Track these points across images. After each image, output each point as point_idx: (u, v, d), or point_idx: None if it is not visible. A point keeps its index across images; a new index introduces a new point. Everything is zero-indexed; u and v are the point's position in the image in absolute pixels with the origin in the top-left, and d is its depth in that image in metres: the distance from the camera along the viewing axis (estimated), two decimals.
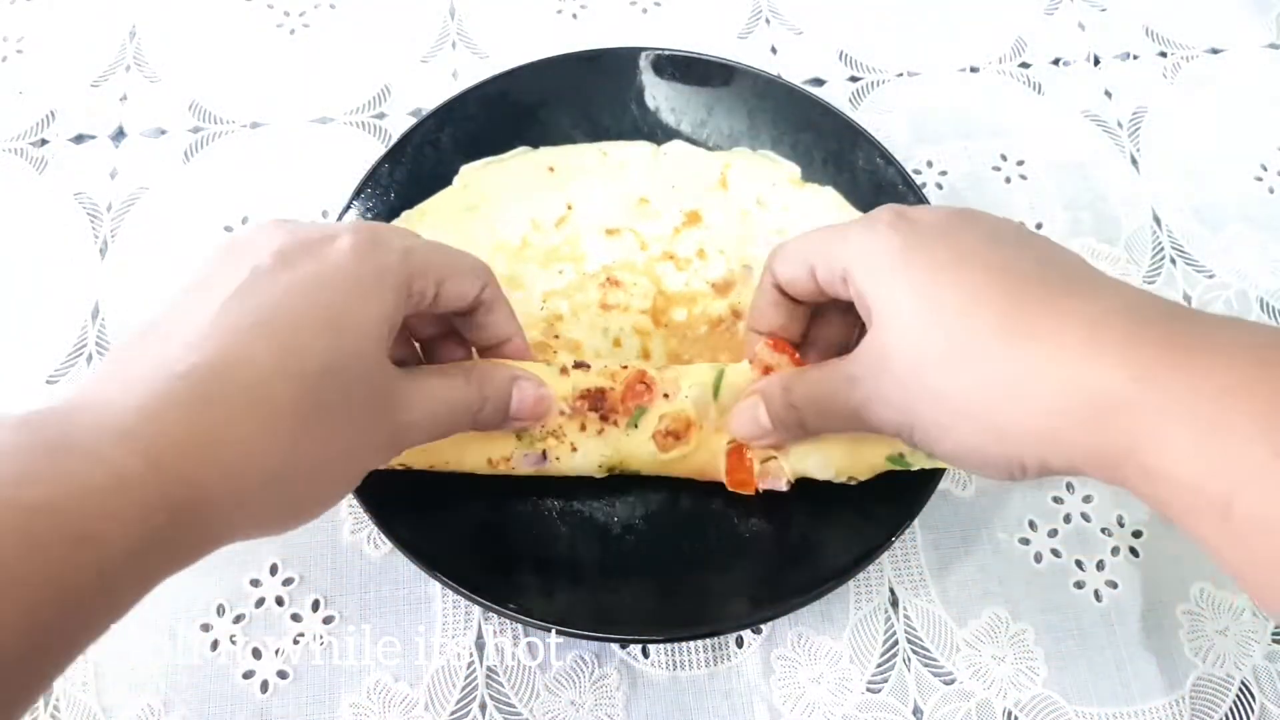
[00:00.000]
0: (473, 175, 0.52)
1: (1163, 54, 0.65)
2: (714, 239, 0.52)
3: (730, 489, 0.44)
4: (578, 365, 0.43)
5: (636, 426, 0.43)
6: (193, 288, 0.32)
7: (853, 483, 0.44)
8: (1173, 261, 0.57)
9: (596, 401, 0.43)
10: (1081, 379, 0.29)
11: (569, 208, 0.52)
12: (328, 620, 0.46)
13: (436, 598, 0.47)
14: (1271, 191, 0.60)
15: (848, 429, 0.39)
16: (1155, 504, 0.30)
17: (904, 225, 0.35)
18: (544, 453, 0.43)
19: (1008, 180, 0.60)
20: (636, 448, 0.43)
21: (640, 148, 0.54)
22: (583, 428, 0.43)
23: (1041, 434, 0.31)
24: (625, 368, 0.43)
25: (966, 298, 0.32)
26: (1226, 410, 0.27)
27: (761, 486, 0.44)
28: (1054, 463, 0.32)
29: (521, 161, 0.53)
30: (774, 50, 0.64)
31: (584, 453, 0.43)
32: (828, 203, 0.52)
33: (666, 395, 0.43)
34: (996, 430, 0.32)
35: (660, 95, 0.56)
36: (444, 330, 0.43)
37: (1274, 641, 0.47)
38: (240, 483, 0.29)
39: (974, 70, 0.64)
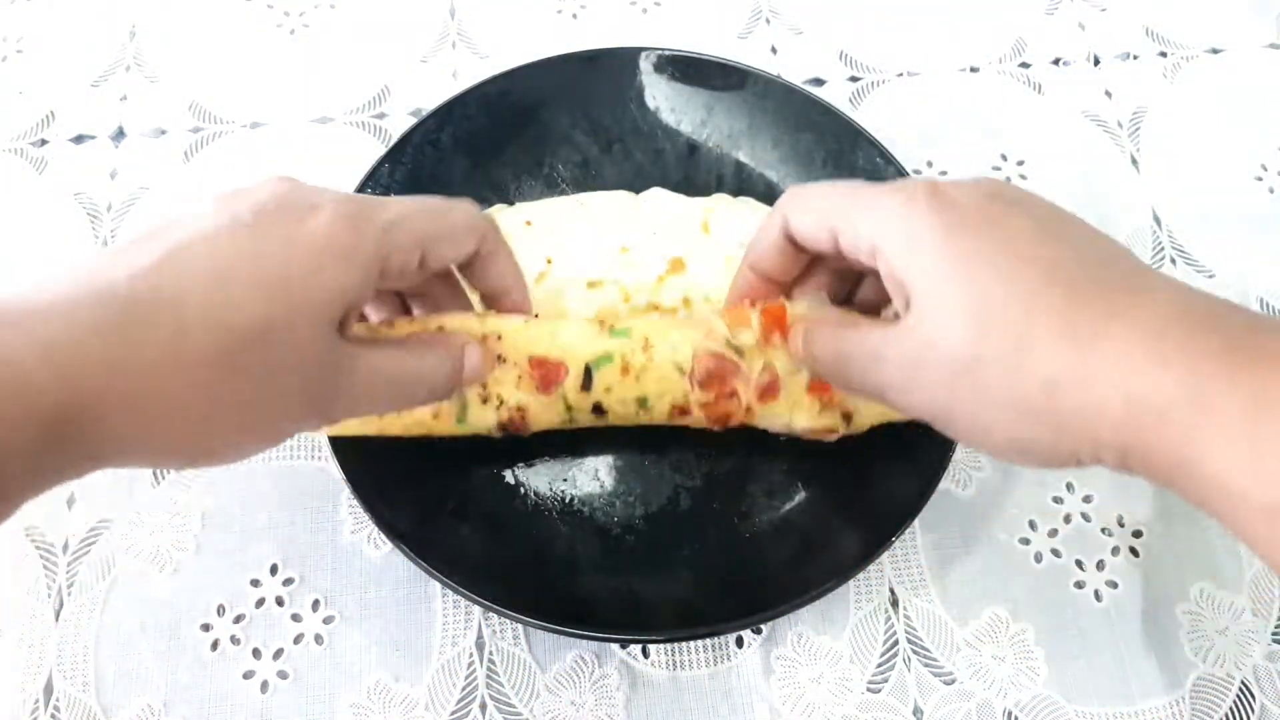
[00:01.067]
0: None
1: (1163, 54, 0.65)
2: (699, 286, 0.49)
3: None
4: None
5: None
6: (178, 220, 0.33)
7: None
8: (1173, 261, 0.57)
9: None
10: (1143, 389, 0.30)
11: (548, 262, 0.50)
12: (328, 620, 0.46)
13: (436, 598, 0.47)
14: (1271, 191, 0.60)
15: (863, 396, 0.41)
16: (1209, 510, 0.30)
17: (943, 205, 0.34)
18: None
19: (1008, 180, 0.60)
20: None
21: (618, 197, 0.53)
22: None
23: (1099, 437, 0.31)
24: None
25: (1023, 296, 0.32)
26: (1276, 419, 0.28)
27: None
28: (1107, 460, 0.32)
29: (498, 219, 0.51)
30: (774, 50, 0.64)
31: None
32: None
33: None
34: (1053, 429, 0.32)
35: (660, 95, 0.56)
36: (444, 277, 0.43)
37: (1274, 641, 0.47)
38: (141, 415, 0.30)
39: (974, 70, 0.64)
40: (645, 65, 0.56)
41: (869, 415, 0.44)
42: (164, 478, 0.49)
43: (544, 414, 0.43)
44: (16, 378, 0.27)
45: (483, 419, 0.43)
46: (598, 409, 0.43)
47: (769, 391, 0.42)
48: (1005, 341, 0.32)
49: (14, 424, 0.27)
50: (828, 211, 0.38)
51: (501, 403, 0.42)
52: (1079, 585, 0.48)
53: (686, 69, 0.56)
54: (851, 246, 0.37)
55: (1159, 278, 0.33)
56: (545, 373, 0.42)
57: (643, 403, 0.43)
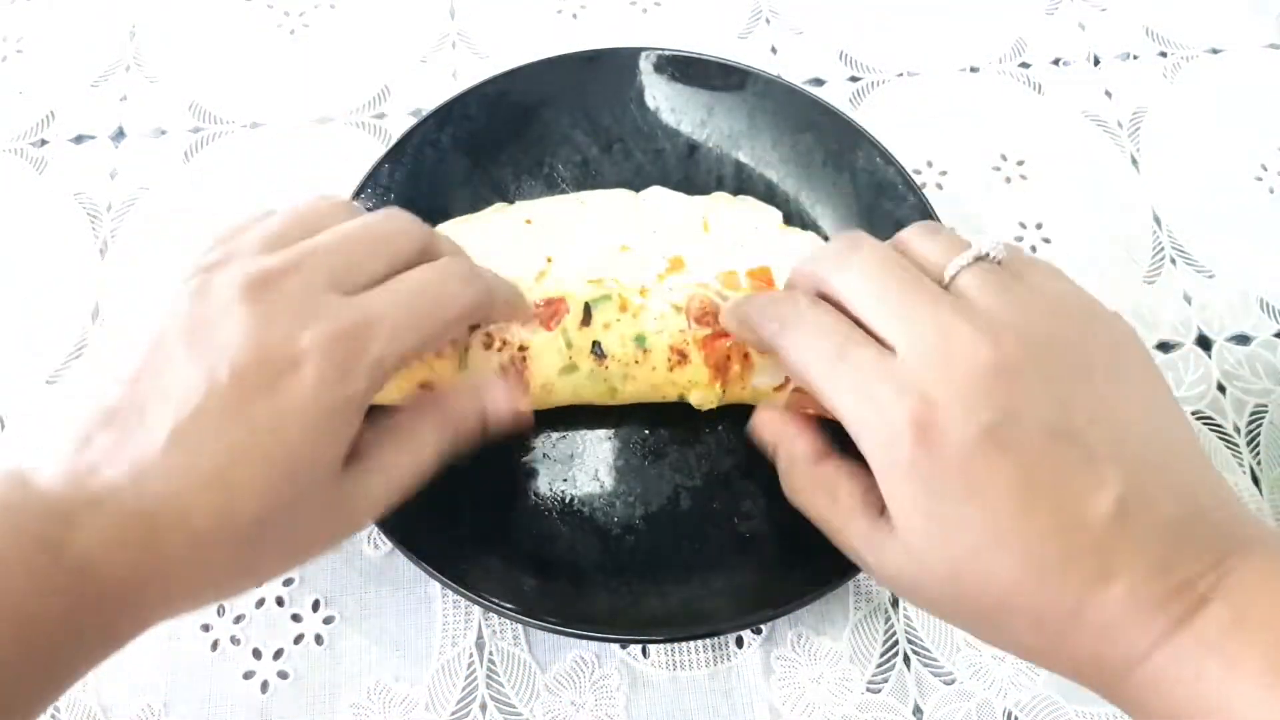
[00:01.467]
0: (450, 235, 0.50)
1: (1163, 54, 0.65)
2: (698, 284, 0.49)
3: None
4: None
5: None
6: (149, 373, 0.32)
7: None
8: (1172, 261, 0.57)
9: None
10: (1106, 660, 0.30)
11: (549, 260, 0.49)
12: (328, 620, 0.46)
13: (436, 598, 0.47)
14: (1271, 191, 0.60)
15: None
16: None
17: (930, 449, 0.31)
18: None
19: (1008, 180, 0.60)
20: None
21: (619, 195, 0.53)
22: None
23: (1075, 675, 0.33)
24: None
25: (992, 577, 0.31)
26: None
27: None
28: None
29: (498, 217, 0.51)
30: (774, 50, 0.64)
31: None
32: (809, 248, 0.50)
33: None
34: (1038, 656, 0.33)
35: (660, 95, 0.56)
36: None
37: None
38: (176, 608, 0.33)
39: (974, 70, 0.64)
40: (645, 65, 0.56)
41: None
42: None
43: (545, 354, 0.44)
44: (62, 600, 0.29)
45: (485, 363, 0.44)
46: (598, 351, 0.44)
47: None
48: (965, 607, 0.33)
49: (60, 623, 0.29)
50: (813, 384, 0.35)
51: (504, 344, 0.44)
52: None
53: (686, 69, 0.56)
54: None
55: (1130, 537, 0.30)
56: (548, 308, 0.45)
57: (640, 341, 0.44)
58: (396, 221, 0.38)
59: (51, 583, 0.29)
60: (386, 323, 0.34)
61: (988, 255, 0.34)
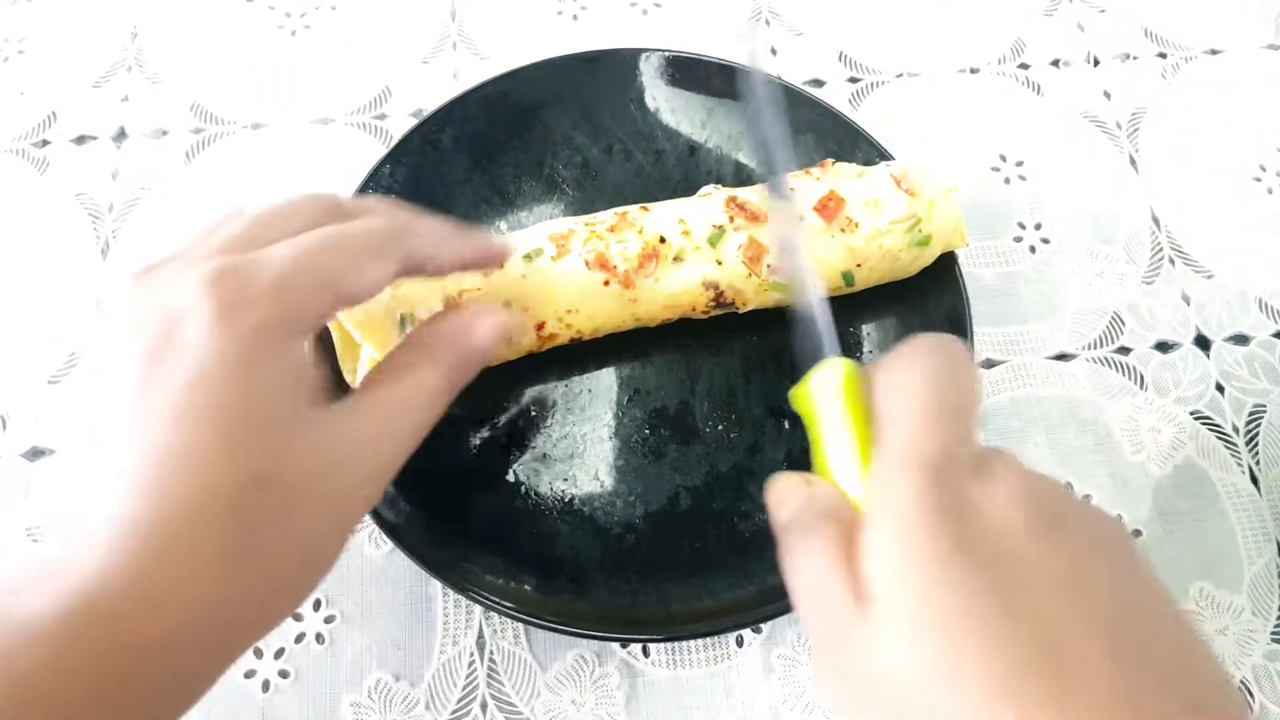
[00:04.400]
0: None
1: (1162, 55, 0.65)
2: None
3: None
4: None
5: None
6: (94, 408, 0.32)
7: None
8: (1171, 262, 0.57)
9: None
10: None
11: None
12: (329, 619, 0.46)
13: (437, 597, 0.47)
14: (1271, 192, 0.60)
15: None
16: None
17: (963, 528, 0.26)
18: None
19: (1007, 181, 0.60)
20: None
21: None
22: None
23: None
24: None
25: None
26: None
27: None
28: None
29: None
30: (774, 51, 0.64)
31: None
32: None
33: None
34: None
35: (660, 97, 0.56)
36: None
37: (1273, 641, 0.47)
38: (188, 620, 0.29)
39: (974, 71, 0.64)
40: (645, 66, 0.56)
41: (871, 275, 0.49)
42: None
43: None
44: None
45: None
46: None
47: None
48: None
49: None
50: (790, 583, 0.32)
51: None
52: None
53: (686, 70, 0.56)
54: None
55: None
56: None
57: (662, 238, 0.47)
58: (307, 197, 0.35)
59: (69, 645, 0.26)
60: (275, 255, 0.30)
61: None
